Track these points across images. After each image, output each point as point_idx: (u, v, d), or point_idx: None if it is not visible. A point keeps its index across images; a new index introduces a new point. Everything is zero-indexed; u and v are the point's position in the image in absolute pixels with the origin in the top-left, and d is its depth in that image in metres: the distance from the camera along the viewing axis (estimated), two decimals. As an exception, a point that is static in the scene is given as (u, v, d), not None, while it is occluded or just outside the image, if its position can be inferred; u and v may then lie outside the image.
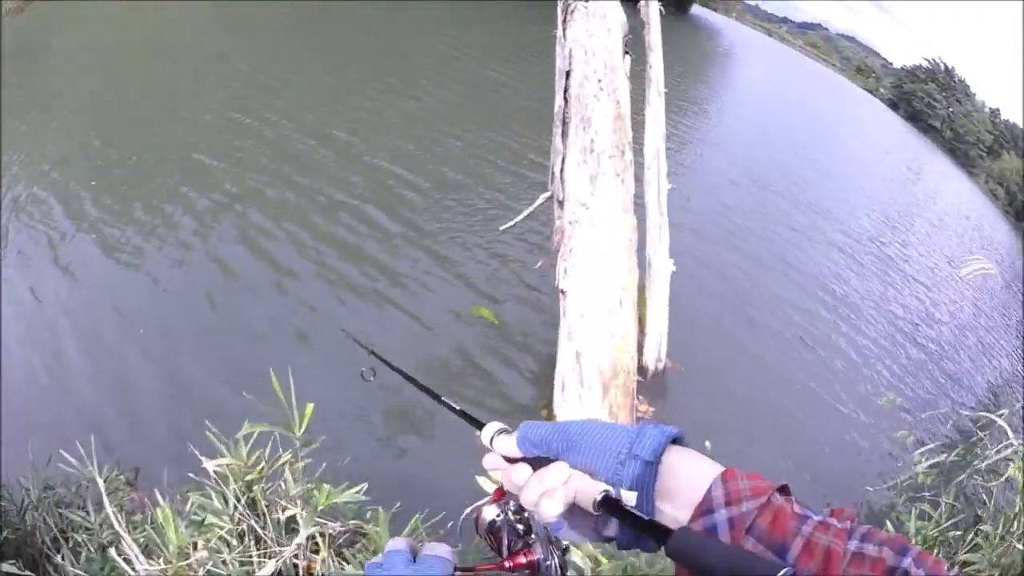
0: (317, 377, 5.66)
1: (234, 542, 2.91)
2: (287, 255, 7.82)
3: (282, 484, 3.07)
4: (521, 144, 12.54)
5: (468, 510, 0.98)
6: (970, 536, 3.66)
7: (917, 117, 45.04)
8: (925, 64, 49.61)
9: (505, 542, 0.94)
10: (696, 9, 44.03)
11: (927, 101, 46.05)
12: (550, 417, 5.58)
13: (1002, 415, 4.65)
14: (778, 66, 35.23)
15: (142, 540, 3.02)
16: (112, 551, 2.86)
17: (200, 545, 2.91)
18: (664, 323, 6.55)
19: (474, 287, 7.86)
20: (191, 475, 3.21)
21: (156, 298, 6.99)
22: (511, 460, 0.89)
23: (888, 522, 4.00)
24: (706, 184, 13.38)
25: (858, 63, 55.65)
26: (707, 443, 4.14)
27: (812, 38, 59.88)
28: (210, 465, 2.98)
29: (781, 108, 24.88)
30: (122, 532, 2.94)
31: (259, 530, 2.95)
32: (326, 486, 2.85)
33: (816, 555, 0.68)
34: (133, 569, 2.81)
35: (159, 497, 3.28)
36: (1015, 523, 3.53)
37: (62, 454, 3.54)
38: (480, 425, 0.97)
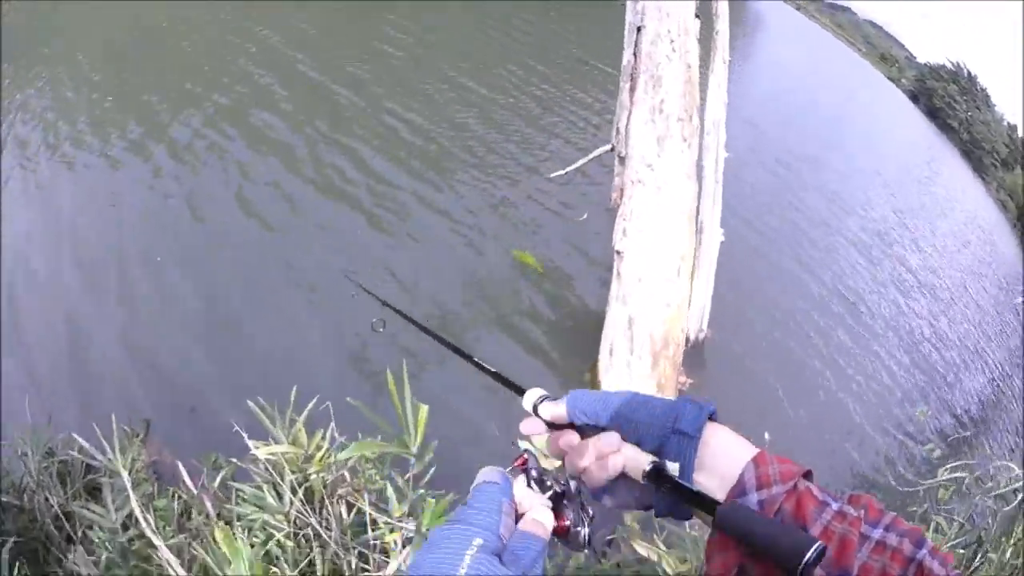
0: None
1: (290, 545, 2.55)
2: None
3: (345, 474, 2.75)
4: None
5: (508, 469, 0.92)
6: (977, 558, 3.77)
7: (936, 114, 44.47)
8: (948, 65, 49.30)
9: None
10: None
11: (947, 100, 45.69)
12: (594, 381, 5.54)
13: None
14: (805, 41, 34.43)
15: (173, 542, 2.66)
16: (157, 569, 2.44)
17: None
18: (709, 292, 6.46)
19: (518, 232, 7.78)
20: (234, 460, 3.01)
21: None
22: (556, 426, 0.92)
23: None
24: (731, 159, 13.13)
25: (883, 51, 54.72)
26: (766, 435, 4.07)
27: (839, 19, 58.67)
28: (262, 453, 2.66)
29: (806, 84, 23.95)
30: (155, 539, 2.54)
31: (323, 532, 2.59)
32: (431, 500, 2.31)
33: (832, 542, 0.73)
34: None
35: (185, 476, 2.99)
36: (1013, 552, 3.64)
37: (76, 437, 3.32)
38: (520, 390, 0.98)
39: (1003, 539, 3.84)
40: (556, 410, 0.91)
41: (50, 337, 5.66)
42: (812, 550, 0.66)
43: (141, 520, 2.55)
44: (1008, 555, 3.60)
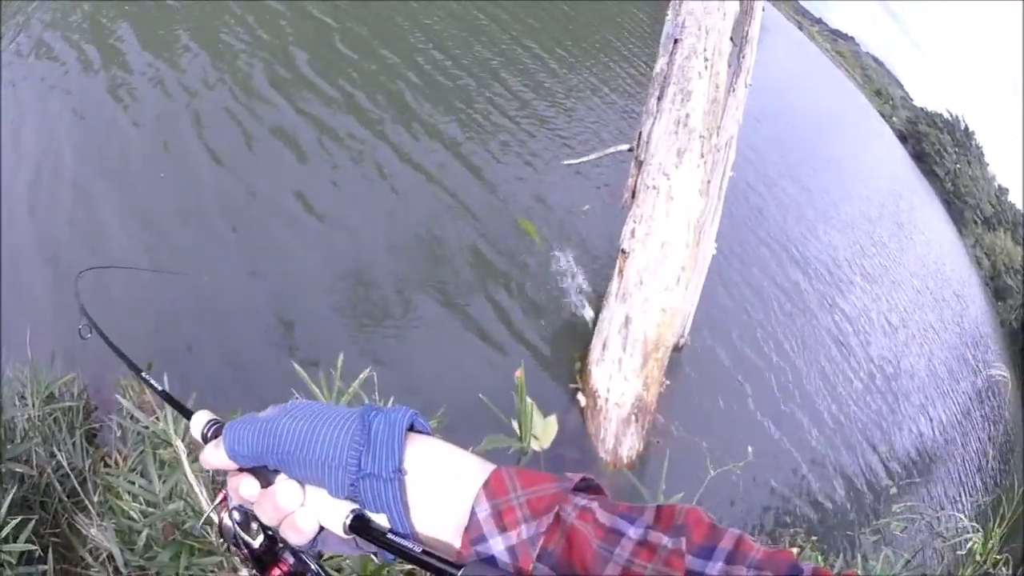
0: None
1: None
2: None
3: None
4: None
5: (208, 510, 0.77)
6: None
7: (923, 159, 45.07)
8: (946, 115, 49.49)
9: (247, 551, 0.74)
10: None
11: (937, 148, 45.99)
12: (584, 369, 5.81)
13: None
14: (801, 63, 33.92)
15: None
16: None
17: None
18: (695, 302, 6.75)
19: (523, 206, 7.94)
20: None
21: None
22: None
23: (858, 556, 4.44)
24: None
25: (879, 87, 55.22)
26: (749, 448, 4.30)
27: (842, 47, 58.90)
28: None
29: (797, 113, 23.46)
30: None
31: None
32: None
33: None
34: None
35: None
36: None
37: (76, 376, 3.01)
38: (186, 413, 0.79)
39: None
40: (218, 454, 0.70)
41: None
42: None
43: (199, 494, 2.17)
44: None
